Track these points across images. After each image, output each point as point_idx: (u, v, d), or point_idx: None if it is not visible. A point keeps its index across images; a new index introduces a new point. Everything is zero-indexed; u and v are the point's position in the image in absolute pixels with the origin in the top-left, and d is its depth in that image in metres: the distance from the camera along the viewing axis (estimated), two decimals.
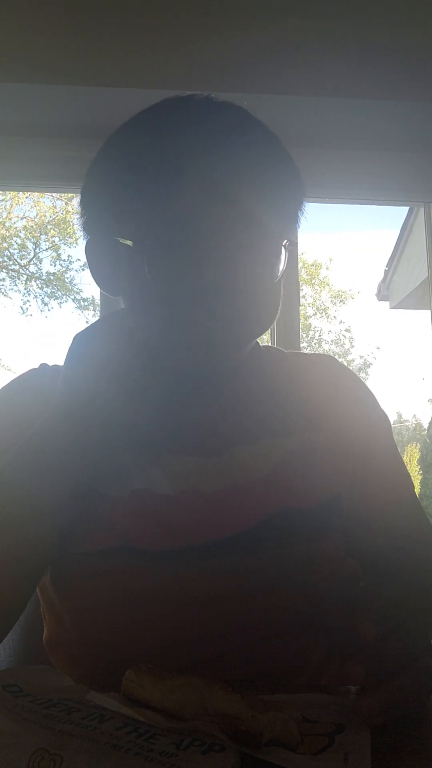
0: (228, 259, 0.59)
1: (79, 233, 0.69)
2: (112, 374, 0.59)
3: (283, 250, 0.63)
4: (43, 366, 0.74)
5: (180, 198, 0.59)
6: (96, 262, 0.68)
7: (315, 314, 7.00)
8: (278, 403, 0.71)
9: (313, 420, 0.71)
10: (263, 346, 0.78)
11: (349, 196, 1.94)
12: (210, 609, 0.61)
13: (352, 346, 7.23)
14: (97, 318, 2.06)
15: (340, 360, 0.80)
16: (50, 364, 0.75)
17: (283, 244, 0.63)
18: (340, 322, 7.50)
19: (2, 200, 5.88)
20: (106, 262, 0.66)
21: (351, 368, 0.80)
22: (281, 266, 0.64)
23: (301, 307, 1.88)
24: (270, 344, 1.82)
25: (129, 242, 0.61)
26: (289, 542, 0.62)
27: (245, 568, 0.61)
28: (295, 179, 0.66)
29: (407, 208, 3.00)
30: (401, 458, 0.78)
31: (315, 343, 7.16)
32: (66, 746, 0.35)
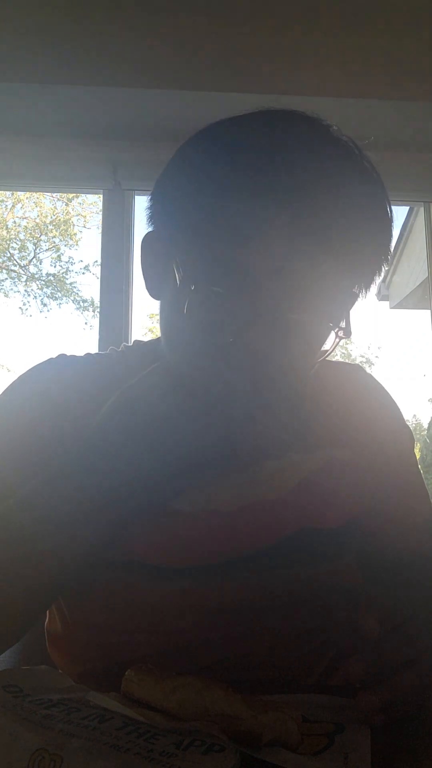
0: (278, 328, 0.53)
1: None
2: (145, 401, 0.54)
3: (333, 333, 0.57)
4: (62, 356, 0.70)
5: (254, 255, 0.52)
6: (146, 260, 0.63)
7: None
8: (304, 416, 0.67)
9: (338, 436, 0.68)
10: None
11: None
12: (216, 620, 0.60)
13: (349, 342, 7.22)
14: (96, 319, 2.04)
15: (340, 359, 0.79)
16: (68, 354, 0.71)
17: (336, 331, 0.57)
18: None
19: (2, 201, 5.88)
20: (157, 264, 0.61)
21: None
22: (327, 347, 0.58)
23: None
24: None
25: (177, 277, 0.56)
26: (304, 563, 0.61)
27: (257, 587, 0.60)
28: (386, 249, 0.58)
29: (407, 207, 3.00)
30: (421, 476, 0.76)
31: None
32: (66, 746, 0.35)
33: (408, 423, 0.78)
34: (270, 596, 0.60)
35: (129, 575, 0.59)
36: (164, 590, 0.59)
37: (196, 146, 0.58)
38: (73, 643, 0.64)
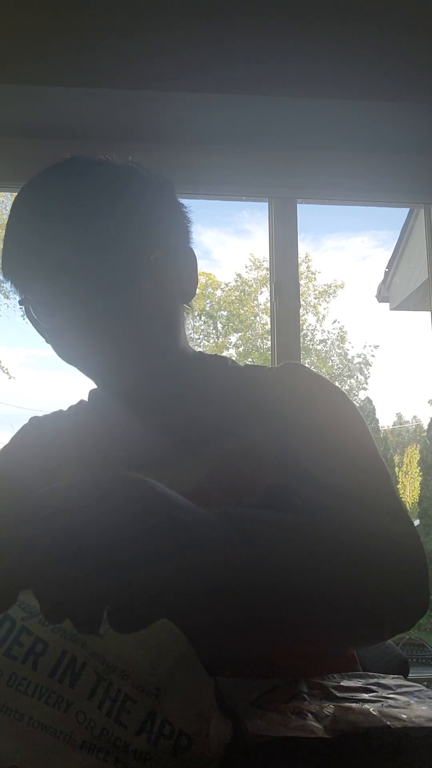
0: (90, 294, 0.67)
1: None
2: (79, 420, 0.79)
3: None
4: (32, 419, 0.84)
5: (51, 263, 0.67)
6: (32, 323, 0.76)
7: (306, 313, 6.99)
8: (219, 410, 0.73)
9: (253, 419, 0.71)
10: (244, 365, 0.82)
11: (349, 197, 1.93)
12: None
13: (345, 342, 7.20)
14: None
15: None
16: (40, 414, 0.85)
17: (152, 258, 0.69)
18: (334, 321, 7.47)
19: (2, 202, 5.86)
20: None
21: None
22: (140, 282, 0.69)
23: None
24: (273, 346, 1.82)
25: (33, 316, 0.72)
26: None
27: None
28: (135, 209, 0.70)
29: (407, 209, 3.00)
30: (371, 440, 0.70)
31: (308, 341, 7.15)
32: (35, 757, 0.35)
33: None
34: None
35: None
36: None
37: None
38: None
